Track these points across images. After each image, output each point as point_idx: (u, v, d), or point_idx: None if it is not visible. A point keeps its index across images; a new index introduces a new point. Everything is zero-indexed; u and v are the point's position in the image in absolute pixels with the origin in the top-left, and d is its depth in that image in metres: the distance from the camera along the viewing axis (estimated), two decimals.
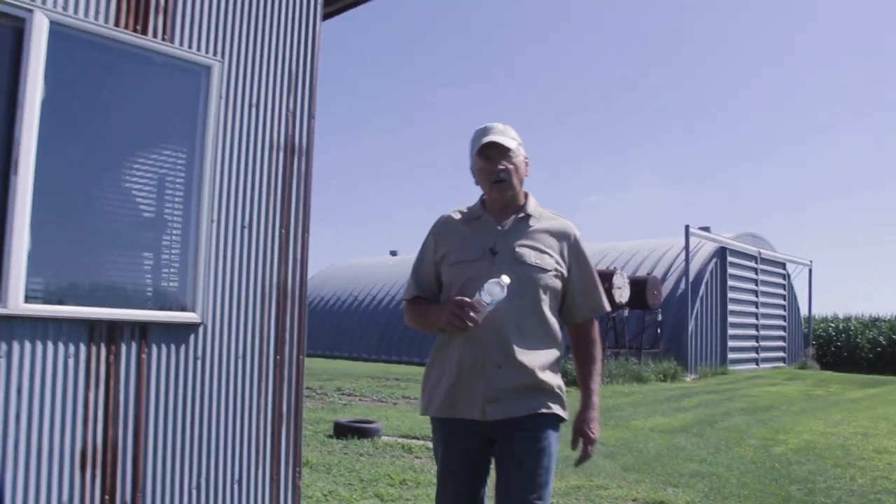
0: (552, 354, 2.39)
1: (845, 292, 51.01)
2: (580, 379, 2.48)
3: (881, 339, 24.74)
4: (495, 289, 2.17)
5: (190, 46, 3.37)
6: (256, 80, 3.60)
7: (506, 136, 2.39)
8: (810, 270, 24.37)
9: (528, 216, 2.44)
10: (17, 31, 2.88)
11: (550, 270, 2.37)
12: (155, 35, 3.25)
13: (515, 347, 2.29)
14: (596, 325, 2.54)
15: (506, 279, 2.18)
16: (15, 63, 2.87)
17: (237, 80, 3.52)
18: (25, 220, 2.83)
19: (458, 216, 2.52)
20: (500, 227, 2.42)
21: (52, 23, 2.94)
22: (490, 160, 2.39)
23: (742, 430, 8.49)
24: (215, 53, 3.45)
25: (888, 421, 9.56)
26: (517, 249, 2.36)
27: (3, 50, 2.86)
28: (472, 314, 2.20)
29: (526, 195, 2.50)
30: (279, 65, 3.70)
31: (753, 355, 21.02)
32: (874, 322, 26.20)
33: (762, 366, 21.08)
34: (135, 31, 3.19)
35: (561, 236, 2.44)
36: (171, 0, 3.31)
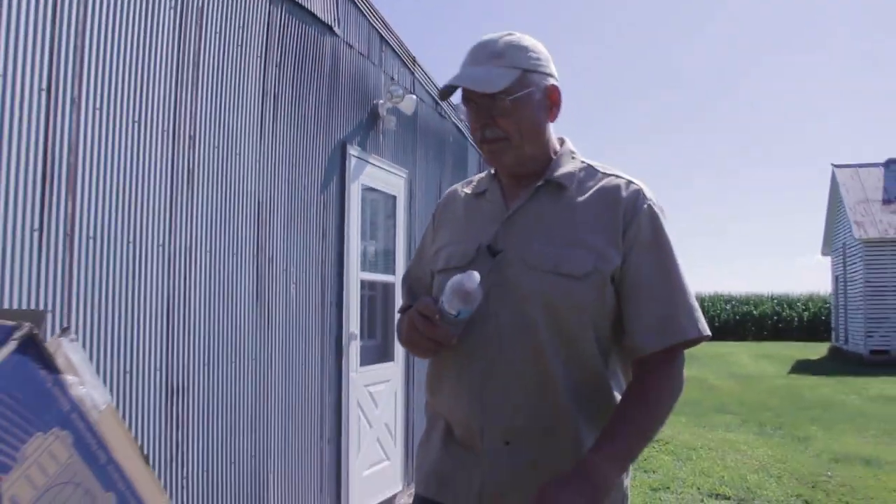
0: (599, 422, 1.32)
1: None
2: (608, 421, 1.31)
3: None
4: (463, 290, 1.25)
5: None
6: None
7: (493, 63, 1.34)
8: None
9: (555, 185, 1.39)
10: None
11: (587, 277, 1.29)
12: None
13: (529, 412, 1.32)
14: (677, 363, 1.34)
15: (476, 276, 1.25)
16: None
17: None
18: None
19: (467, 190, 1.54)
20: (508, 208, 1.40)
21: None
22: (472, 110, 1.39)
23: None
24: None
25: None
26: (531, 246, 1.33)
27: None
28: (435, 332, 1.28)
29: (561, 143, 1.47)
30: None
31: None
32: None
33: None
34: None
35: (613, 207, 1.35)
36: None
